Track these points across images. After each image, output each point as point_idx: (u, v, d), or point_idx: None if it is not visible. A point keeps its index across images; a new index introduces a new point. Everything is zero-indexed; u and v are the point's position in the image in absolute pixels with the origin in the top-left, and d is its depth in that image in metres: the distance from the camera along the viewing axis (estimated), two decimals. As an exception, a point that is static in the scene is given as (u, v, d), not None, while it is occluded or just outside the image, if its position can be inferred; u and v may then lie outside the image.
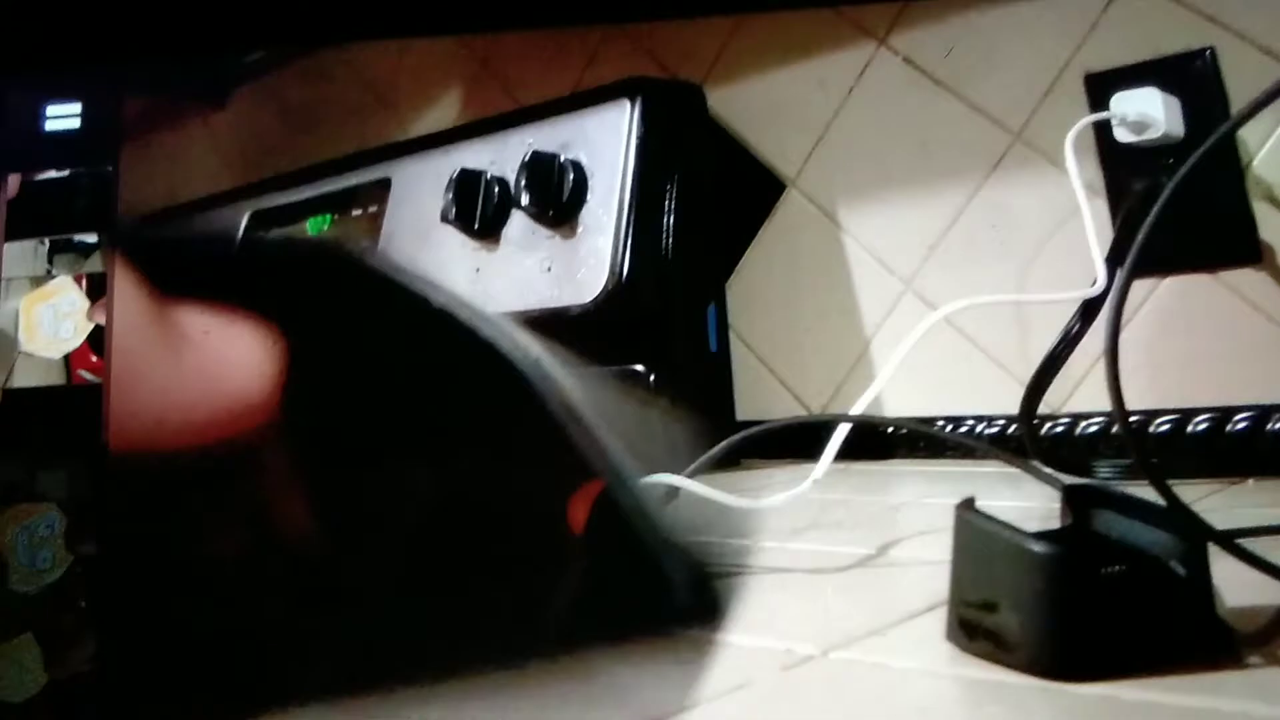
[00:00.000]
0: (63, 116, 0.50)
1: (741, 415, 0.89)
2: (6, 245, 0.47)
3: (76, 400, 0.44)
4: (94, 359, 0.45)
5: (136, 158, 0.73)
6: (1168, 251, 0.67)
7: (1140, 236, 0.56)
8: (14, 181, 0.48)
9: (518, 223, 0.84)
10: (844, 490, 0.68)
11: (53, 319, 0.45)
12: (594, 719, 0.32)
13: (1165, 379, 0.70)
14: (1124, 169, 0.71)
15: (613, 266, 0.81)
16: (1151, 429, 0.69)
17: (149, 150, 1.03)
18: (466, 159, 0.87)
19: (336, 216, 0.88)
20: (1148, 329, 0.71)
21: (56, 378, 0.45)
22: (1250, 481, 0.63)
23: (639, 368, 0.85)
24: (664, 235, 0.84)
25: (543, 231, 0.83)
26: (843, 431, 0.59)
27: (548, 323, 0.81)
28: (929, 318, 0.70)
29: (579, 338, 0.82)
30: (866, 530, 0.59)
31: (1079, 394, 0.74)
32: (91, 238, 0.47)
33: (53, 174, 0.49)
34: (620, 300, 0.80)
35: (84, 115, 0.50)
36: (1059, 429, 0.73)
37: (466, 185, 0.85)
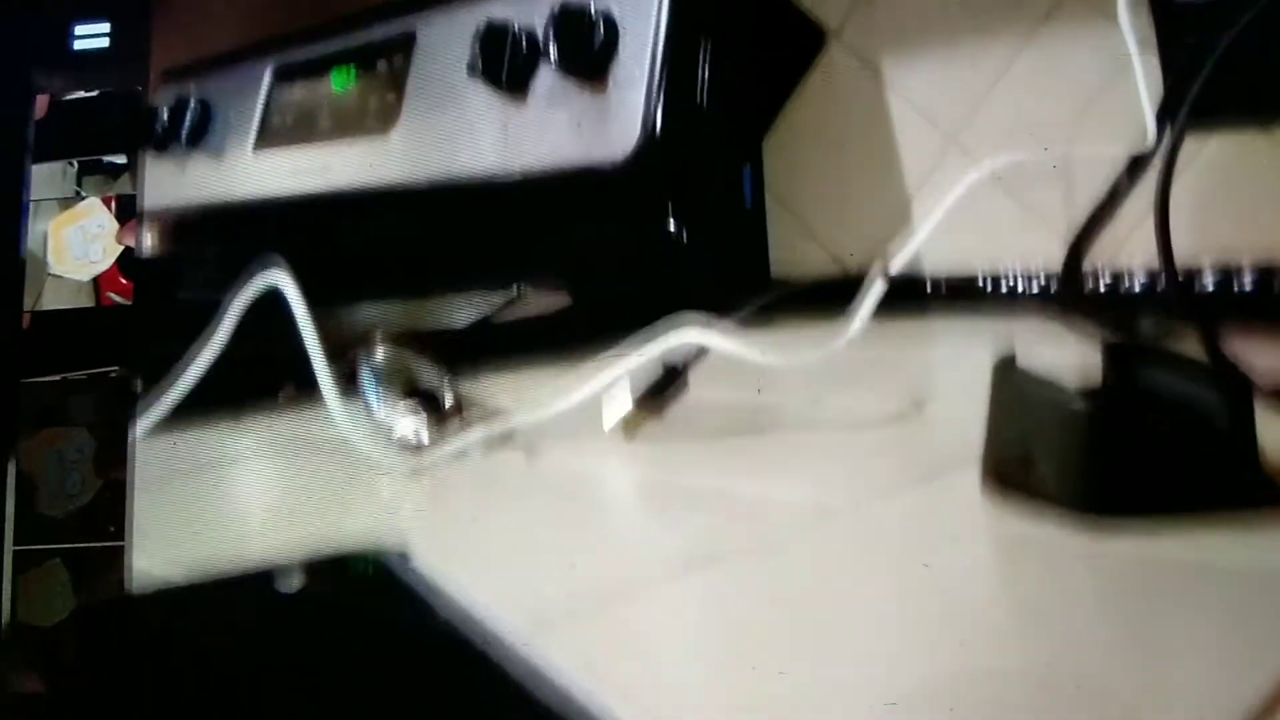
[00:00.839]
0: (91, 35, 0.50)
1: (776, 274, 0.88)
2: (35, 167, 0.47)
3: (106, 322, 0.45)
4: (123, 281, 0.44)
5: (165, 18, 0.72)
6: (1220, 107, 0.65)
7: (1193, 91, 0.54)
8: (42, 102, 0.48)
9: (546, 77, 0.82)
10: (879, 347, 0.67)
11: (81, 241, 0.45)
12: None
13: (1213, 236, 0.68)
14: (1177, 22, 0.68)
15: (645, 122, 0.79)
16: (1197, 286, 0.67)
17: (175, 7, 1.01)
18: (494, 10, 0.85)
19: (360, 70, 0.86)
20: (1197, 185, 0.69)
21: (85, 300, 0.45)
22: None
23: (671, 226, 0.84)
24: (699, 90, 0.82)
25: (572, 86, 0.81)
26: (879, 287, 0.58)
27: (578, 181, 0.79)
28: (973, 172, 0.69)
29: (610, 196, 0.81)
30: (901, 387, 0.58)
31: (1124, 251, 0.72)
32: (121, 159, 0.47)
33: (81, 94, 0.48)
34: (652, 157, 0.78)
35: (112, 34, 0.49)
36: (1103, 285, 0.72)
37: (493, 38, 0.83)
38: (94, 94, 0.49)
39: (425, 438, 0.52)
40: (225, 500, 0.53)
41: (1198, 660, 0.27)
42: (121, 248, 0.45)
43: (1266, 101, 0.66)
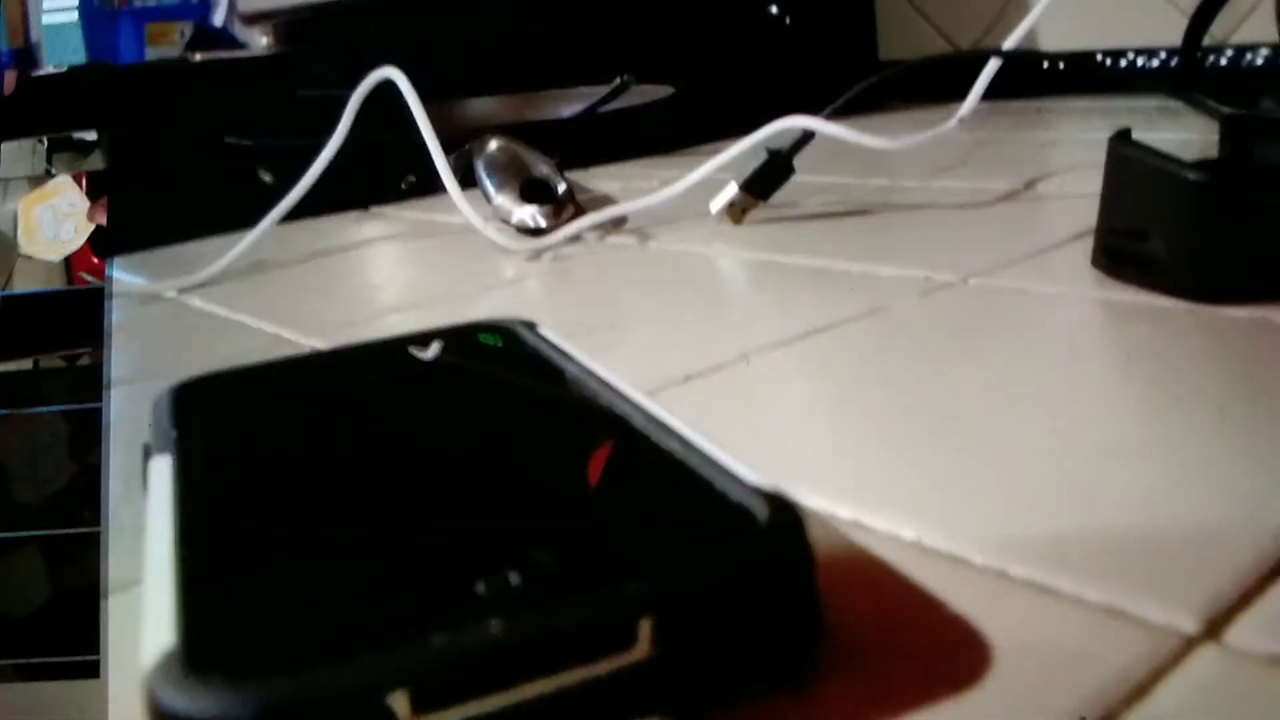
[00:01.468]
0: (61, 9, 0.48)
1: (884, 55, 0.86)
2: (4, 145, 0.46)
3: (78, 304, 0.43)
4: (95, 260, 0.43)
5: None
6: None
7: None
8: (10, 78, 0.46)
9: None
10: (993, 129, 0.66)
11: (52, 220, 0.43)
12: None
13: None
14: None
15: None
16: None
17: None
18: None
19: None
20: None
21: (57, 281, 0.43)
22: None
23: (773, 8, 0.82)
24: None
25: None
26: (993, 66, 0.57)
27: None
28: (1092, -58, 0.66)
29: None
30: (1014, 167, 0.58)
31: (1246, 26, 0.70)
32: (91, 135, 0.45)
33: (50, 69, 0.47)
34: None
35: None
36: (1224, 60, 0.69)
37: None
38: (63, 69, 0.47)
39: (542, 222, 0.53)
40: (359, 279, 0.55)
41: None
42: (93, 226, 0.44)
43: None
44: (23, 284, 0.44)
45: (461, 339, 0.30)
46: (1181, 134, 0.51)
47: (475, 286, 0.49)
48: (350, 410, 0.27)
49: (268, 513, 0.21)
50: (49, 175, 0.45)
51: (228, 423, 0.26)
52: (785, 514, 0.18)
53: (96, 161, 0.46)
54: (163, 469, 0.23)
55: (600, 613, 0.17)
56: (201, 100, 0.76)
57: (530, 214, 0.54)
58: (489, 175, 0.57)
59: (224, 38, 0.92)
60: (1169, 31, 0.70)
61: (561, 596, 0.17)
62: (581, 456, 0.23)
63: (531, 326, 0.30)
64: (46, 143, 0.46)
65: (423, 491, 0.22)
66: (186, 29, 0.91)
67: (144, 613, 0.17)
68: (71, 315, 0.43)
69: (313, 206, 0.56)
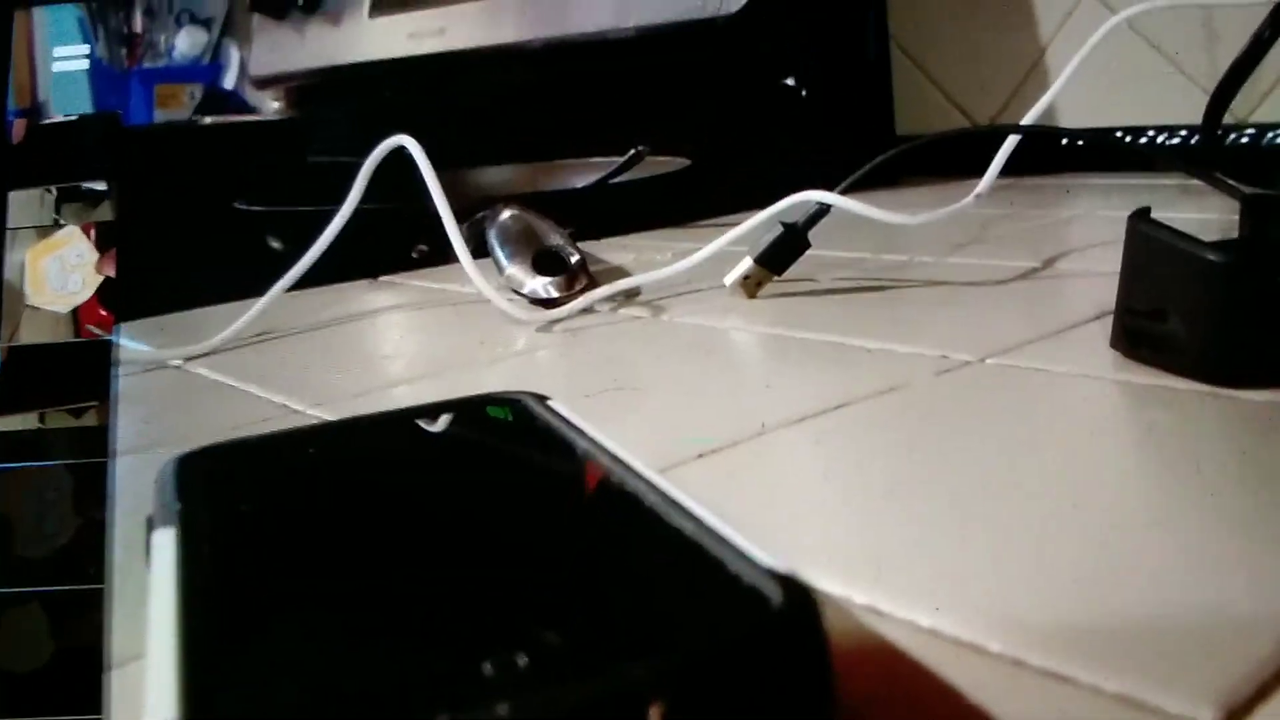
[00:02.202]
0: (71, 58, 0.49)
1: (901, 130, 0.87)
2: (12, 194, 0.46)
3: (85, 356, 0.43)
4: (103, 313, 0.43)
5: None
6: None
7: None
8: (19, 126, 0.47)
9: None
10: (1010, 205, 0.67)
11: (60, 271, 0.44)
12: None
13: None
14: None
15: (761, -29, 0.78)
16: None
17: None
18: None
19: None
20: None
21: (65, 333, 0.44)
22: None
23: (790, 81, 0.83)
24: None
25: (689, -63, 0.80)
26: (1011, 142, 0.57)
27: (693, 34, 0.79)
28: (1109, 21, 0.67)
29: (725, 50, 0.81)
30: (1032, 244, 0.58)
31: (1267, 104, 0.70)
32: (100, 185, 0.46)
33: (59, 118, 0.47)
34: (768, 8, 0.77)
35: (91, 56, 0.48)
36: (1245, 139, 0.70)
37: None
38: (73, 117, 0.48)
39: (554, 293, 0.54)
40: (368, 348, 0.56)
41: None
42: (101, 278, 0.44)
43: None
44: (29, 336, 0.44)
45: (471, 411, 0.30)
46: (1202, 213, 0.52)
47: (485, 357, 0.49)
48: (357, 484, 0.27)
49: (273, 588, 0.21)
50: (57, 225, 0.46)
51: (233, 496, 0.27)
52: (799, 597, 0.18)
53: (105, 212, 0.46)
54: (166, 542, 0.23)
55: (609, 695, 0.17)
56: (211, 164, 0.77)
57: (543, 284, 0.54)
58: (501, 245, 0.58)
59: (235, 101, 0.94)
60: (1190, 109, 0.71)
61: (570, 678, 0.17)
62: (592, 534, 0.23)
63: (542, 399, 0.30)
64: (55, 192, 0.46)
65: (429, 568, 0.22)
66: (197, 91, 0.93)
67: (146, 686, 0.18)
68: (78, 369, 0.43)
69: (322, 274, 0.57)
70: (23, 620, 0.36)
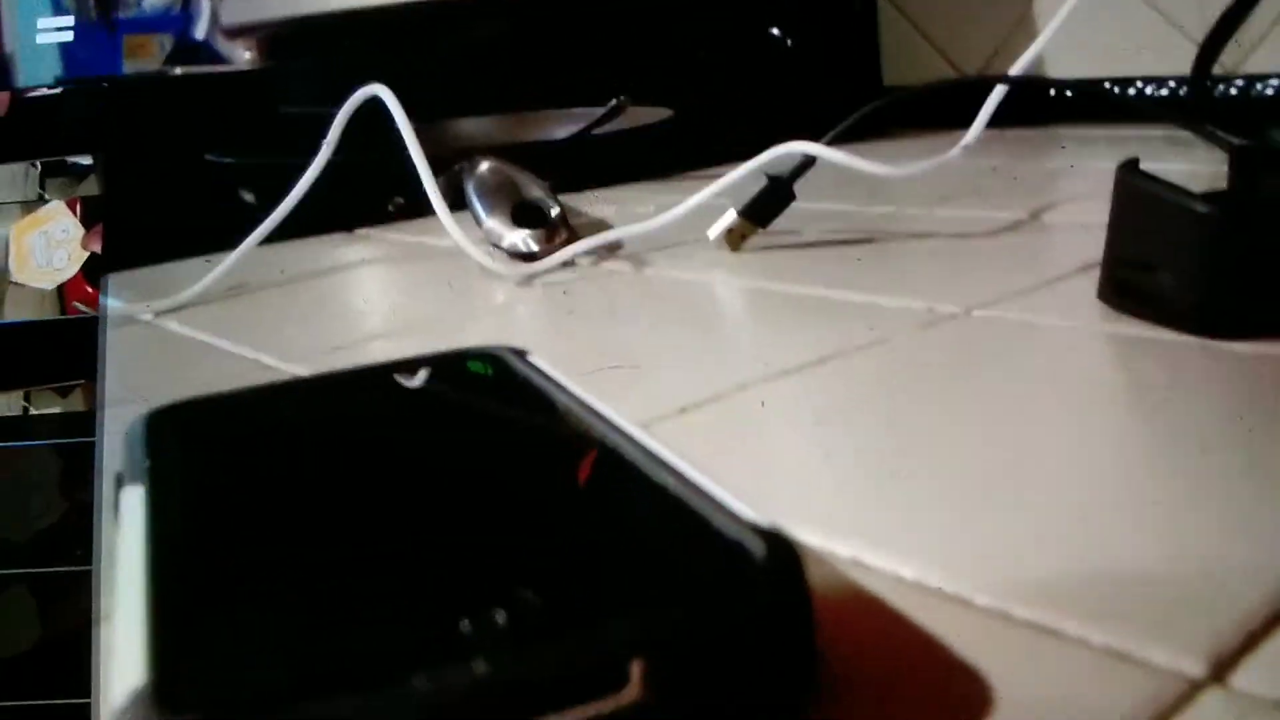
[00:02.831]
0: (54, 30, 0.48)
1: (888, 80, 0.87)
2: None
3: (71, 334, 0.43)
4: (89, 289, 0.43)
5: None
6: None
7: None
8: (3, 100, 0.46)
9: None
10: (998, 156, 0.67)
11: (45, 247, 0.43)
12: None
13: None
14: None
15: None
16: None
17: None
18: None
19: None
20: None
21: (50, 310, 0.44)
22: None
23: (774, 30, 0.83)
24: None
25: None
26: (999, 93, 0.57)
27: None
28: (1100, -33, 0.67)
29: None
30: (1020, 196, 0.58)
31: (1256, 55, 0.70)
32: (86, 159, 0.45)
33: (44, 91, 0.46)
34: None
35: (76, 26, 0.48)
36: (1234, 90, 0.70)
37: None
38: (57, 90, 0.47)
39: (534, 247, 0.54)
40: (343, 303, 0.56)
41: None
42: (87, 254, 0.44)
43: None
44: (14, 313, 0.44)
45: (449, 366, 0.30)
46: (1190, 164, 0.52)
47: (464, 312, 0.49)
48: (332, 440, 0.27)
49: (244, 546, 0.21)
50: (42, 200, 0.45)
51: (204, 452, 0.26)
52: (782, 552, 0.18)
53: (91, 186, 0.45)
54: (135, 499, 0.23)
55: (590, 653, 0.17)
56: (181, 116, 0.76)
57: (522, 238, 0.54)
58: (480, 198, 0.57)
59: (206, 52, 0.93)
60: (1178, 60, 0.70)
61: (550, 636, 0.17)
62: (572, 491, 0.23)
63: (522, 354, 0.30)
64: (39, 167, 0.46)
65: (406, 525, 0.22)
66: (167, 41, 0.91)
67: (114, 649, 0.17)
68: (64, 346, 0.43)
69: (296, 228, 0.56)
70: (9, 604, 0.36)
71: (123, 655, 0.17)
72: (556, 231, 0.55)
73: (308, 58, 0.88)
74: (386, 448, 0.26)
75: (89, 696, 0.30)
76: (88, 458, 0.38)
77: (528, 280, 0.51)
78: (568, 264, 0.53)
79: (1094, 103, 0.72)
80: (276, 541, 0.21)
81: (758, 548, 0.18)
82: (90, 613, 0.32)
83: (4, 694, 0.34)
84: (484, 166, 0.59)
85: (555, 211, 0.56)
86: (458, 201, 0.57)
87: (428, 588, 0.19)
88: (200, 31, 0.92)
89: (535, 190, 0.58)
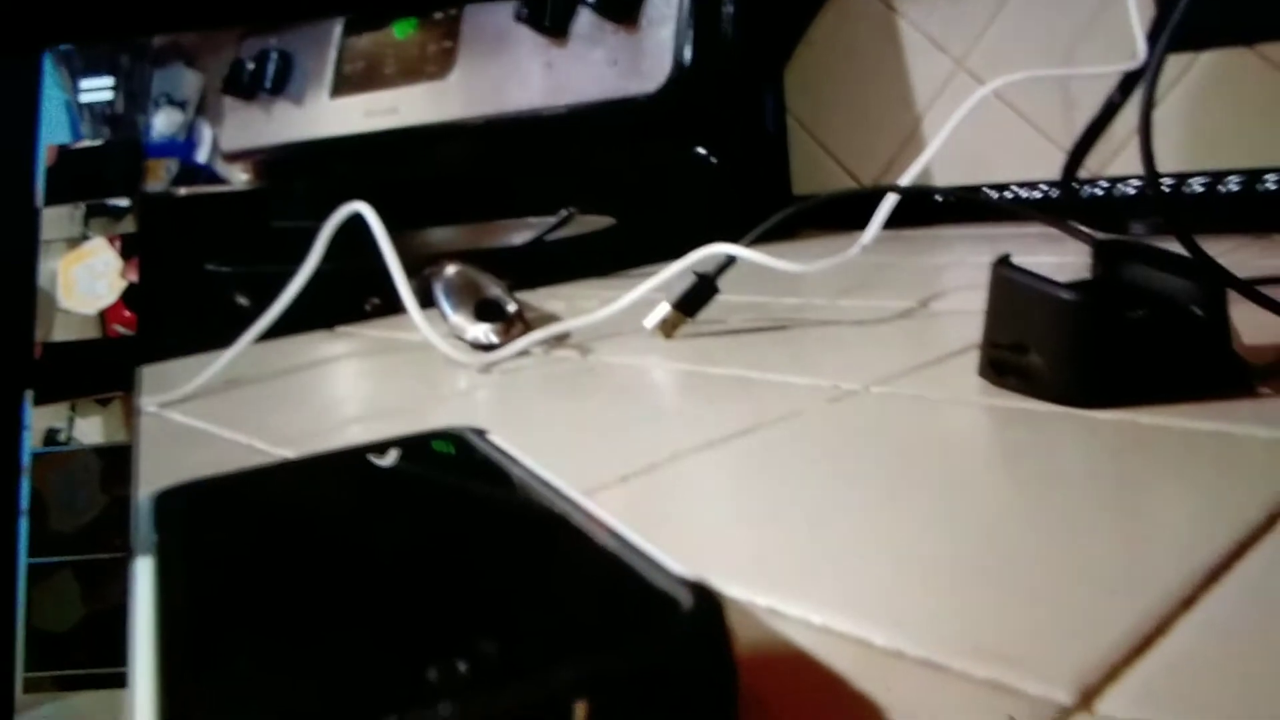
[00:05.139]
0: (96, 90, 0.49)
1: (798, 190, 0.88)
2: (45, 210, 0.46)
3: (110, 352, 0.44)
4: (126, 314, 0.44)
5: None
6: (1207, 26, 0.65)
7: (1176, 13, 0.54)
8: (51, 151, 0.47)
9: (585, 20, 0.82)
10: (891, 254, 0.68)
11: (88, 278, 0.44)
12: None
13: (1200, 145, 0.68)
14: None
15: (675, 57, 0.79)
16: (1186, 190, 0.68)
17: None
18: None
19: (420, 20, 0.87)
20: (1186, 99, 0.69)
21: (92, 332, 0.44)
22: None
23: (701, 150, 0.84)
24: (723, 25, 0.82)
25: (608, 26, 0.81)
26: (891, 200, 0.58)
27: (615, 112, 0.80)
28: (978, 92, 0.69)
29: (644, 124, 0.82)
30: (910, 288, 0.59)
31: (1118, 160, 0.72)
32: (124, 202, 0.46)
33: (86, 143, 0.47)
34: (682, 88, 0.78)
35: (115, 88, 0.49)
36: (1098, 191, 0.72)
37: (536, -16, 0.83)
38: (99, 143, 0.48)
39: (493, 339, 0.54)
40: (325, 393, 0.55)
41: (1171, 513, 0.28)
42: (125, 283, 0.45)
43: (1251, 19, 0.65)
44: (61, 335, 0.44)
45: (417, 446, 0.30)
46: (1059, 257, 0.53)
47: (431, 398, 0.49)
48: (315, 515, 0.27)
49: (240, 611, 0.21)
50: (85, 237, 0.46)
51: (205, 528, 0.26)
52: (707, 602, 0.19)
53: (129, 225, 0.46)
54: (145, 570, 0.23)
55: (540, 696, 0.17)
56: (185, 230, 0.76)
57: (483, 331, 0.54)
58: (446, 297, 0.57)
59: (207, 174, 0.93)
60: (1049, 166, 0.73)
61: (505, 681, 0.17)
62: (525, 553, 0.23)
63: (481, 434, 0.30)
64: (84, 208, 0.47)
65: (381, 588, 0.22)
66: (173, 165, 0.91)
67: (132, 707, 0.17)
68: (105, 362, 0.43)
69: (285, 327, 0.56)
70: (56, 586, 0.37)
71: (139, 712, 0.17)
72: (513, 325, 0.55)
73: (297, 179, 0.89)
74: (362, 520, 0.26)
75: (124, 666, 0.33)
76: (125, 457, 0.40)
77: (488, 368, 0.51)
78: (523, 353, 0.53)
79: (973, 206, 0.74)
80: (268, 605, 0.21)
81: (686, 599, 0.19)
82: (126, 594, 0.35)
83: (54, 663, 0.35)
84: (450, 270, 0.60)
85: (512, 308, 0.56)
86: (426, 300, 0.57)
87: (399, 642, 0.19)
88: (203, 156, 0.92)
89: (495, 289, 0.58)
